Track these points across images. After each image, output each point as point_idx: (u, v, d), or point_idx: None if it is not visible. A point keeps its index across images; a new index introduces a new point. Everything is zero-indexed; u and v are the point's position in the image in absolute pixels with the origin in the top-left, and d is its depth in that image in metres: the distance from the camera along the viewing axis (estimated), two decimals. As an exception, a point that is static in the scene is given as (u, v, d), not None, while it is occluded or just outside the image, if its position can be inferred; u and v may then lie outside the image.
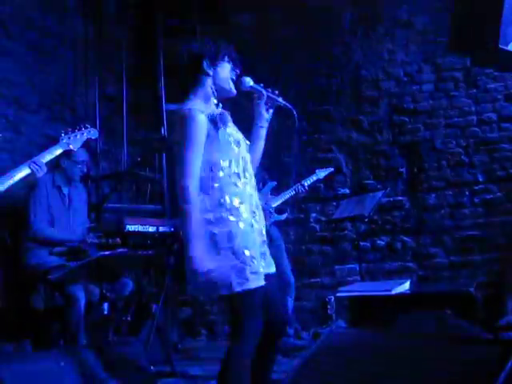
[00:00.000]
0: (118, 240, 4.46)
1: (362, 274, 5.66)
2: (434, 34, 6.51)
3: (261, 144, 3.03)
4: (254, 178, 2.95)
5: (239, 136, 2.92)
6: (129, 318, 4.81)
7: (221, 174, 2.76)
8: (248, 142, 2.98)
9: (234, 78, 2.92)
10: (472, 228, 6.20)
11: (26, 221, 4.61)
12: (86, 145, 4.45)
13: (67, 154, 4.28)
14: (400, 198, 6.47)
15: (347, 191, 6.64)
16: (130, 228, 4.16)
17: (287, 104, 2.95)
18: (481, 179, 6.22)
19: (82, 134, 3.73)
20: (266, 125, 3.00)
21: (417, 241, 6.36)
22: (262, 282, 2.69)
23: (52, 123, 5.79)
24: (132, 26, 7.30)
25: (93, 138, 3.86)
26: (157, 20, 6.73)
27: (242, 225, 2.71)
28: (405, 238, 6.41)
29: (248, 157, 2.93)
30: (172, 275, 6.12)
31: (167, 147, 6.54)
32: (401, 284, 4.16)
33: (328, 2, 6.84)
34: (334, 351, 2.14)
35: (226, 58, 2.89)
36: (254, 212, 2.83)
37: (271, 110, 2.98)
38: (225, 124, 2.81)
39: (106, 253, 3.97)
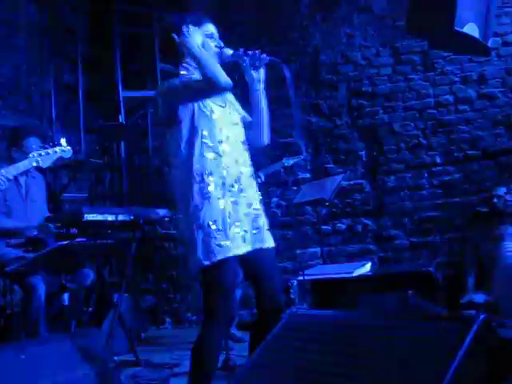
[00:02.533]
0: (75, 230, 4.41)
1: (324, 257, 5.69)
2: (391, 17, 6.53)
3: (263, 113, 3.01)
4: (241, 149, 2.90)
5: (228, 112, 2.92)
6: (90, 309, 4.76)
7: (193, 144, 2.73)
8: (240, 115, 3.01)
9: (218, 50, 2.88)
10: (431, 209, 6.28)
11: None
12: (41, 133, 4.37)
13: (18, 144, 4.20)
14: (360, 181, 6.51)
15: (307, 175, 6.65)
16: (89, 217, 4.10)
17: (273, 58, 2.87)
18: (439, 161, 6.29)
19: (55, 152, 3.65)
20: (259, 86, 2.93)
21: (377, 223, 6.42)
22: (229, 254, 2.64)
23: (7, 112, 5.68)
24: (87, 13, 7.19)
25: (65, 157, 3.78)
26: (113, 6, 6.62)
27: (208, 197, 2.67)
28: (365, 221, 6.46)
29: (238, 130, 2.93)
30: (133, 264, 6.09)
31: (125, 134, 6.48)
32: (362, 266, 4.19)
33: (286, -14, 6.83)
34: (295, 333, 2.15)
35: (206, 34, 2.89)
36: (232, 185, 2.76)
37: (262, 70, 2.91)
38: None
39: (65, 243, 3.92)
